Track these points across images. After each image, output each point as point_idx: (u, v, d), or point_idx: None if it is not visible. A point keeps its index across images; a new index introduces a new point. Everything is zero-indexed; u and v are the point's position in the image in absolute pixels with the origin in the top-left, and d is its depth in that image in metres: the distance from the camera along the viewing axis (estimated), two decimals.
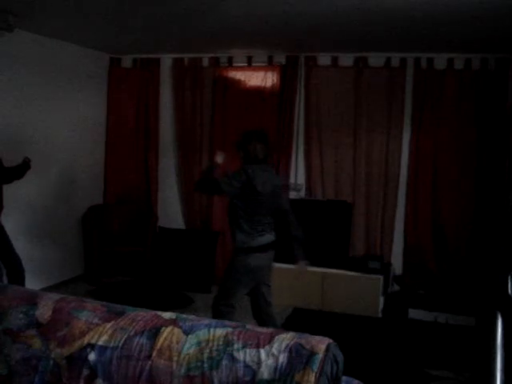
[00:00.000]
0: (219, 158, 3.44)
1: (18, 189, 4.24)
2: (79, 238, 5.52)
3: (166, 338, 1.67)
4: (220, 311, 3.30)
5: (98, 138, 5.72)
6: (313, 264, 4.85)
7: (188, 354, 1.61)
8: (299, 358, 1.51)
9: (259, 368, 1.52)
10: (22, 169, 3.99)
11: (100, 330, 1.75)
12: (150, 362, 1.62)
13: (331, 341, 1.59)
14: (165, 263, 5.46)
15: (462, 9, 3.32)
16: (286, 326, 4.14)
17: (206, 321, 1.76)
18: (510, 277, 1.80)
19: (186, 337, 1.66)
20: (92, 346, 1.71)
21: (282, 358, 1.52)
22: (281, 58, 5.30)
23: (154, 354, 1.64)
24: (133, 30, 4.47)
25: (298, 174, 5.37)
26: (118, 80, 5.76)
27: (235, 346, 1.59)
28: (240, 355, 1.57)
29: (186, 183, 5.66)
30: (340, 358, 1.56)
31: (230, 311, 3.35)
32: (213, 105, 5.53)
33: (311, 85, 5.22)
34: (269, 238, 3.40)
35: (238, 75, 5.49)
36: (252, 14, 3.74)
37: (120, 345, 1.69)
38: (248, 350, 1.57)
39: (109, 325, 1.76)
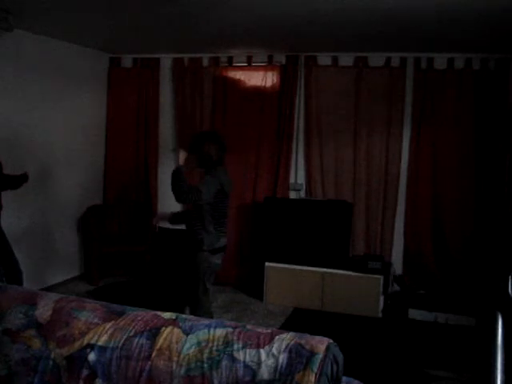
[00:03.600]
0: (183, 160, 3.29)
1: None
2: (79, 237, 5.52)
3: (165, 338, 1.66)
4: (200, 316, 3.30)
5: (97, 137, 5.72)
6: (313, 264, 4.89)
7: (188, 354, 1.61)
8: (299, 358, 1.51)
9: (259, 368, 1.52)
10: (19, 180, 4.01)
11: (100, 330, 1.74)
12: (149, 363, 1.62)
13: (331, 341, 1.59)
14: (165, 263, 5.46)
15: (463, 9, 3.32)
16: (286, 326, 4.14)
17: (206, 321, 1.76)
18: (510, 277, 1.79)
19: (186, 337, 1.66)
20: (92, 346, 1.71)
21: (282, 358, 1.52)
22: (281, 58, 5.30)
23: (154, 354, 1.63)
24: (133, 30, 4.46)
25: (297, 174, 5.37)
26: (118, 80, 5.75)
27: (235, 346, 1.59)
28: (240, 355, 1.56)
29: None
30: (340, 358, 1.56)
31: (208, 305, 3.42)
32: (213, 105, 5.52)
33: (311, 85, 5.22)
34: (225, 239, 3.50)
35: (238, 75, 5.48)
36: (252, 14, 3.74)
37: (120, 345, 1.68)
38: (248, 350, 1.57)
39: (109, 325, 1.76)
